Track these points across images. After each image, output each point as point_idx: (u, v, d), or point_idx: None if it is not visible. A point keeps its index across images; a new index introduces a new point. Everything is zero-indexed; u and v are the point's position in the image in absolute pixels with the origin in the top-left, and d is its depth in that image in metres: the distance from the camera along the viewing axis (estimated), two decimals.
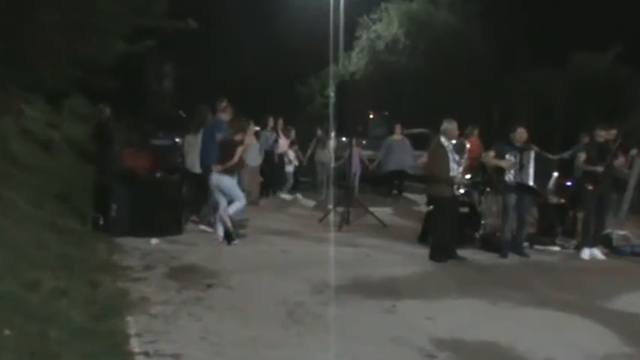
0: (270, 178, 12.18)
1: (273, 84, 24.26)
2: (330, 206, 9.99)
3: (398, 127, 12.76)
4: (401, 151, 12.41)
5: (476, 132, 10.63)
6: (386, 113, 15.50)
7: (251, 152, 10.56)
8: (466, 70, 21.16)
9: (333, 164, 12.19)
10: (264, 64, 24.89)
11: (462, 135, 8.74)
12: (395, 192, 12.71)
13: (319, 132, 12.14)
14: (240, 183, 8.24)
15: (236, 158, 7.53)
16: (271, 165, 11.99)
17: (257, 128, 11.96)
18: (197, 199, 8.58)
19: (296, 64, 23.49)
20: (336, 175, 12.36)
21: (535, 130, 9.79)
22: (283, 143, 12.22)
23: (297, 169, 12.63)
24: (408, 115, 18.74)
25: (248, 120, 10.22)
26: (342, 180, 12.25)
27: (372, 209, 9.90)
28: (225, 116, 8.44)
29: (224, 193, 7.58)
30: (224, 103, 8.62)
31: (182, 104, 15.96)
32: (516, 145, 7.62)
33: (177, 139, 12.05)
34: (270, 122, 12.06)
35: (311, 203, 11.73)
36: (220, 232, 7.57)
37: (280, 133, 12.18)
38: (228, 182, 7.57)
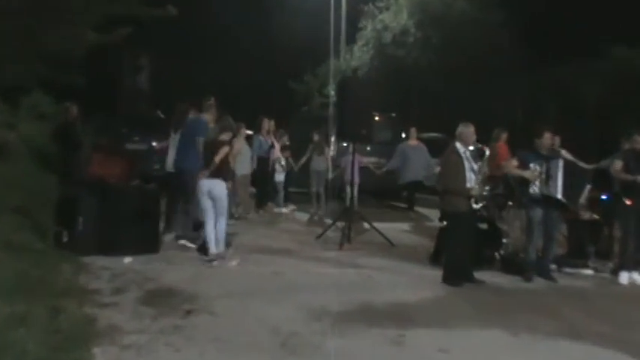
0: (264, 189, 12.29)
1: (265, 81, 24.37)
2: (327, 220, 9.97)
3: (413, 132, 12.87)
4: (417, 159, 12.44)
5: (504, 136, 10.65)
6: (393, 115, 15.52)
7: (241, 159, 10.63)
8: (486, 65, 21.22)
9: (330, 174, 12.25)
10: (256, 59, 25.04)
11: (487, 140, 8.76)
12: (413, 208, 12.77)
13: (316, 136, 12.19)
14: (230, 194, 8.28)
15: (217, 159, 7.55)
16: (265, 174, 12.10)
17: (249, 132, 12.00)
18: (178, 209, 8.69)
19: (292, 59, 23.62)
20: (336, 185, 12.38)
21: (566, 135, 9.82)
22: (277, 149, 12.36)
23: (286, 179, 12.72)
24: (419, 117, 18.78)
25: (239, 123, 10.32)
26: (340, 191, 12.26)
27: (377, 225, 9.90)
28: (208, 116, 8.51)
29: (214, 203, 7.60)
30: (210, 101, 8.67)
31: (161, 103, 16.01)
32: (542, 153, 7.63)
33: (154, 143, 12.10)
34: (266, 125, 12.16)
35: (307, 217, 11.82)
36: (214, 248, 7.56)
37: (271, 136, 12.33)
38: (224, 190, 7.63)
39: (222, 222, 7.67)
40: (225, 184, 7.70)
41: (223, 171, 7.69)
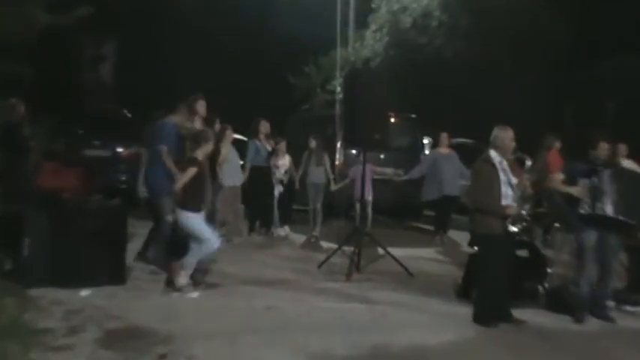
0: (261, 206, 12.38)
1: (257, 75, 24.38)
2: (326, 244, 9.95)
3: (444, 138, 13.04)
4: (450, 170, 12.55)
5: (557, 144, 10.70)
6: (413, 116, 15.56)
7: (228, 168, 10.66)
8: (527, 56, 21.27)
9: (333, 186, 12.32)
10: (247, 48, 25.06)
11: (528, 147, 8.76)
12: (441, 231, 12.80)
13: (312, 142, 12.25)
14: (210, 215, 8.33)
15: (178, 185, 7.56)
16: (262, 187, 12.18)
17: (238, 136, 12.05)
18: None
19: (289, 48, 23.62)
20: (343, 201, 12.39)
21: (630, 141, 9.82)
22: (281, 156, 12.55)
23: (286, 192, 12.74)
24: (446, 119, 18.75)
25: (224, 125, 10.36)
26: (349, 209, 12.26)
27: (393, 250, 9.86)
28: (176, 118, 8.58)
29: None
30: (201, 101, 8.83)
31: (128, 100, 16.03)
32: (596, 164, 7.58)
33: (119, 149, 12.14)
34: (263, 128, 12.31)
35: (303, 240, 11.95)
36: (183, 279, 7.66)
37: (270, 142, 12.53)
38: (190, 223, 7.63)
39: (203, 249, 7.68)
40: (196, 215, 7.66)
41: (189, 200, 7.64)
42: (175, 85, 12.46)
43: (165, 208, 8.36)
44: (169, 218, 8.31)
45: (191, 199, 7.63)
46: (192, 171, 7.58)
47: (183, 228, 7.69)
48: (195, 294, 7.64)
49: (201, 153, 7.80)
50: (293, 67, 24.71)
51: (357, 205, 11.53)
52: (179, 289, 7.61)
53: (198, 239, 7.67)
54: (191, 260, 7.72)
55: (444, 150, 12.90)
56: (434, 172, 12.62)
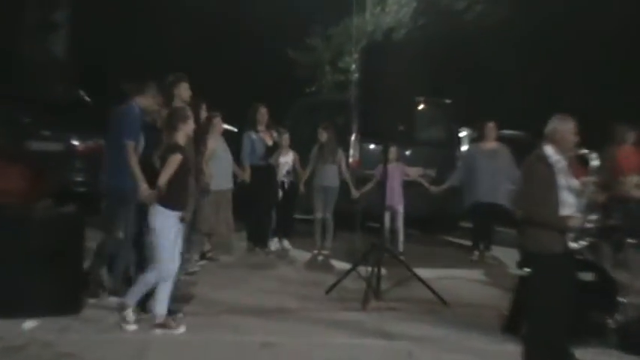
0: (259, 215, 12.44)
1: (251, 50, 24.37)
2: (338, 263, 9.96)
3: (490, 128, 12.97)
4: (497, 171, 12.44)
5: (631, 138, 10.65)
6: (448, 101, 15.57)
7: (217, 167, 10.72)
8: (593, 26, 21.24)
9: (355, 192, 12.36)
10: (236, 17, 25.05)
11: (594, 143, 8.74)
12: (481, 247, 12.92)
13: (324, 135, 12.25)
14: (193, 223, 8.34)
15: (163, 179, 7.44)
16: (259, 192, 12.24)
17: (228, 127, 12.06)
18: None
19: (291, 17, 23.62)
20: (362, 209, 12.41)
21: None
22: (285, 152, 12.73)
23: (287, 197, 12.83)
24: (489, 105, 18.73)
25: (212, 113, 10.35)
26: (367, 217, 12.27)
27: (422, 272, 9.90)
28: (144, 101, 8.64)
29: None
30: (183, 83, 8.87)
31: (88, 80, 16.04)
32: None
33: (75, 142, 12.13)
34: (261, 116, 12.45)
35: (307, 258, 12.03)
36: (160, 309, 7.57)
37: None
38: (162, 223, 7.48)
39: (156, 274, 7.56)
40: (176, 214, 7.59)
41: (172, 196, 7.56)
42: (149, 61, 12.46)
43: (118, 220, 8.40)
44: (120, 234, 8.37)
45: (170, 194, 7.51)
46: (176, 159, 7.47)
47: (150, 227, 7.52)
48: (181, 329, 7.56)
49: (181, 136, 7.69)
50: (295, 39, 24.70)
51: (386, 217, 11.50)
52: (160, 323, 7.52)
53: (154, 256, 7.55)
54: (138, 289, 7.62)
55: (488, 144, 12.86)
56: (471, 172, 12.65)
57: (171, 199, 7.51)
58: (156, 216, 7.49)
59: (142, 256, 8.04)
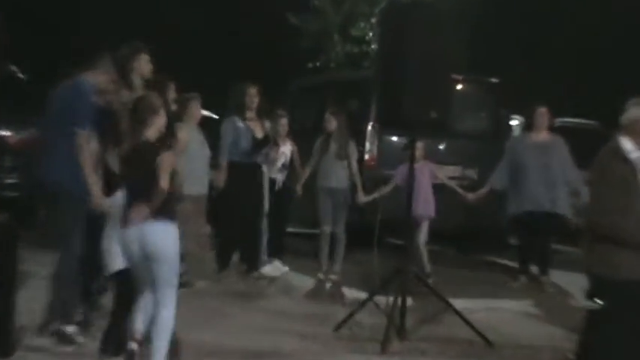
0: (242, 229, 12.24)
1: (240, 14, 24.48)
2: (352, 292, 9.92)
3: (541, 115, 12.85)
4: (550, 171, 12.39)
5: None
6: (494, 81, 15.62)
7: (190, 165, 10.56)
8: None
9: (362, 196, 12.23)
10: None
11: None
12: (534, 271, 12.77)
13: (332, 122, 12.19)
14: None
15: (163, 183, 7.31)
16: (243, 197, 12.20)
17: (207, 113, 12.00)
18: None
19: None
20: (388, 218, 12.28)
21: None
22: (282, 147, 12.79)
23: (278, 203, 12.57)
24: (546, 87, 18.77)
25: (188, 95, 10.30)
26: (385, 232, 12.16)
27: (458, 303, 9.98)
28: (98, 78, 8.51)
29: (151, 267, 7.47)
30: (143, 55, 8.88)
31: (24, 56, 16.10)
32: None
33: (6, 132, 12.13)
34: (250, 99, 12.44)
35: (311, 285, 12.13)
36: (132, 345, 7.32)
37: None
38: (171, 244, 7.53)
39: (167, 304, 7.55)
40: (175, 229, 7.45)
41: (169, 205, 7.45)
42: (101, 33, 12.44)
43: (68, 224, 8.21)
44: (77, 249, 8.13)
45: (169, 203, 7.52)
46: (168, 160, 7.51)
47: (158, 251, 7.41)
48: None
49: (153, 132, 7.52)
50: (296, 3, 24.68)
51: (421, 232, 11.47)
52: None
53: (166, 276, 7.53)
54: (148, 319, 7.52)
55: (539, 135, 12.79)
56: (516, 172, 12.51)
57: (171, 209, 7.61)
58: (160, 235, 7.53)
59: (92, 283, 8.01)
